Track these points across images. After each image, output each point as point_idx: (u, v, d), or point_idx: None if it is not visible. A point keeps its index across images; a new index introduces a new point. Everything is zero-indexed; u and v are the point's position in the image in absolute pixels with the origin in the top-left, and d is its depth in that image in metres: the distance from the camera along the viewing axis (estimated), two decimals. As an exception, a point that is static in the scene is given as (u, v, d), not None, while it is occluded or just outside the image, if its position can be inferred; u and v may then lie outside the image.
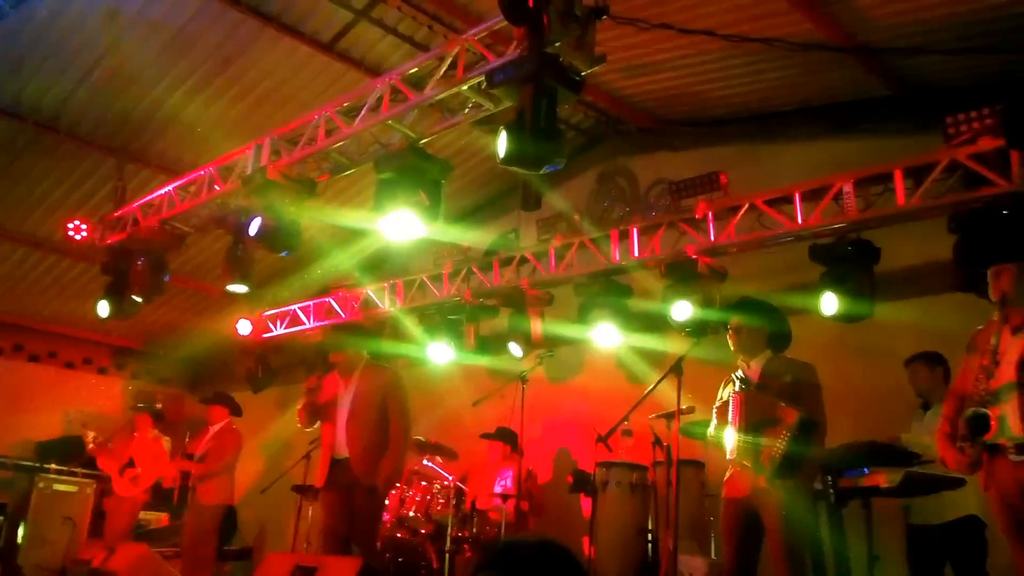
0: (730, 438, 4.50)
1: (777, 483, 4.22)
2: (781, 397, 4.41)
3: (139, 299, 6.72)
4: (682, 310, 5.84)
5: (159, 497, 8.93)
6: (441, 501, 6.69)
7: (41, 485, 9.14)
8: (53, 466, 9.38)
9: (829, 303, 5.30)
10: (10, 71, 6.37)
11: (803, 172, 5.77)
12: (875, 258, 5.35)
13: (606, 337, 6.46)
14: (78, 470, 9.26)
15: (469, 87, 4.77)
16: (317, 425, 5.74)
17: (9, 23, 5.89)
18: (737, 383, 4.56)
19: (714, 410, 4.69)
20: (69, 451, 9.42)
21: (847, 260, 5.35)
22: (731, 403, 4.55)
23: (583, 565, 1.62)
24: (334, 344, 5.93)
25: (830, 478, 4.71)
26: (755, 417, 4.41)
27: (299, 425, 5.71)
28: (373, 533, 5.58)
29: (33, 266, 8.83)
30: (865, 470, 4.71)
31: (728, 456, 4.56)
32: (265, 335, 9.14)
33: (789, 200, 5.54)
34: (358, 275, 8.80)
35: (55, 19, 5.93)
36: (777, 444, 4.23)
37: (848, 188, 5.29)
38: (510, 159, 4.04)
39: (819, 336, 5.73)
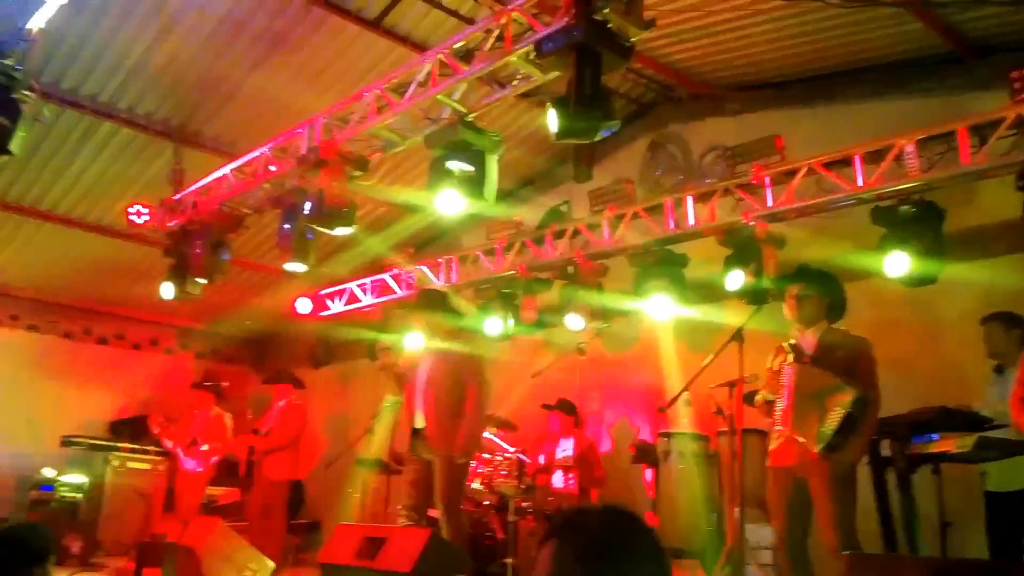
0: (781, 409, 4.47)
1: (826, 455, 4.19)
2: (835, 371, 4.36)
3: (201, 280, 6.84)
4: (738, 279, 5.75)
5: (227, 472, 9.19)
6: (503, 473, 6.75)
7: (115, 463, 9.48)
8: (126, 444, 9.73)
9: (897, 264, 5.09)
10: (67, 61, 6.49)
11: (862, 134, 5.61)
12: (940, 219, 5.19)
13: (662, 307, 6.39)
14: (150, 448, 9.57)
15: (517, 58, 4.74)
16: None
17: (64, 13, 6.00)
18: (792, 354, 4.51)
19: (764, 379, 4.64)
20: (140, 430, 9.71)
21: (911, 222, 5.19)
22: (785, 374, 4.50)
23: (652, 530, 1.60)
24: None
25: (899, 444, 4.65)
26: (809, 391, 4.37)
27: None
28: (453, 501, 5.61)
29: (98, 251, 9.06)
30: (934, 436, 4.62)
31: (777, 426, 4.52)
32: (323, 313, 9.26)
33: (849, 163, 5.38)
34: (413, 251, 8.88)
35: (107, 7, 6.02)
36: (830, 420, 4.21)
37: (910, 148, 5.12)
38: (563, 133, 4.01)
39: (881, 301, 5.61)
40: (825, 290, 4.68)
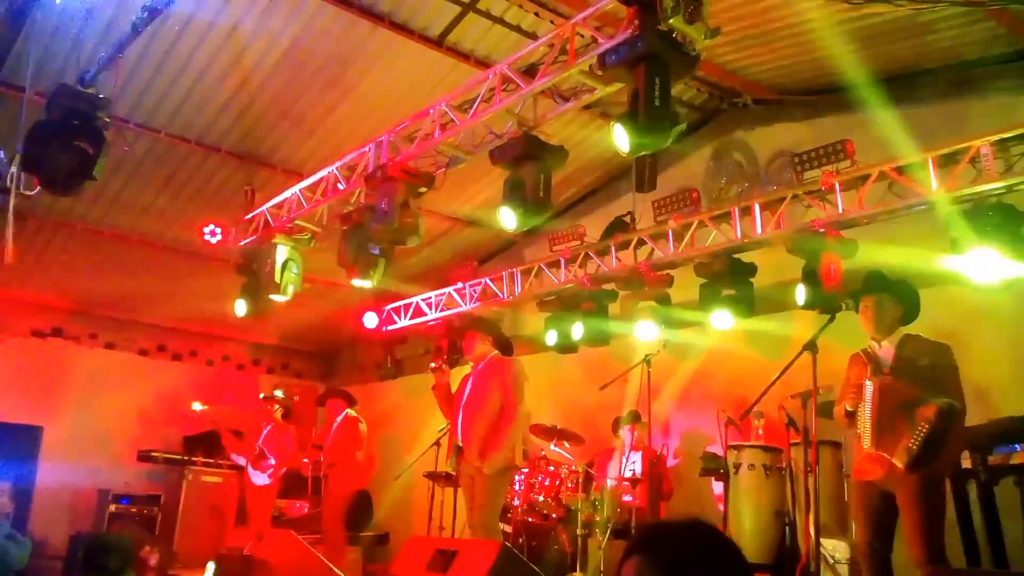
0: (864, 424, 4.37)
1: (915, 470, 4.08)
2: (918, 382, 4.25)
3: (277, 297, 6.99)
4: (806, 294, 5.63)
5: (295, 486, 9.35)
6: (570, 486, 6.73)
7: (190, 477, 9.74)
8: (200, 459, 9.98)
9: (983, 263, 4.85)
10: (142, 91, 6.72)
11: (935, 136, 5.48)
12: (1020, 221, 5.02)
13: (730, 317, 6.31)
14: (223, 462, 9.80)
15: (580, 71, 4.76)
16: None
17: (142, 42, 6.22)
18: (870, 366, 4.41)
19: (842, 391, 4.55)
20: (213, 444, 9.96)
21: (990, 225, 5.03)
22: (866, 389, 4.40)
23: (734, 544, 1.59)
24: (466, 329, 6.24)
25: (979, 456, 4.52)
26: (892, 405, 4.27)
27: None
28: (485, 518, 5.76)
29: (172, 270, 9.33)
30: (1017, 446, 4.48)
31: (863, 443, 4.42)
32: (389, 327, 9.39)
33: (922, 166, 5.27)
34: (476, 264, 8.95)
35: (181, 37, 6.21)
36: (915, 436, 4.10)
37: (987, 150, 4.99)
38: (635, 147, 4.01)
39: (955, 307, 5.45)
40: (899, 297, 4.58)
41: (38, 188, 4.71)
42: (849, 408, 4.47)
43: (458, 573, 4.40)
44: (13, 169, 4.59)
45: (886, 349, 4.46)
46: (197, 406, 8.90)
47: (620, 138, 4.05)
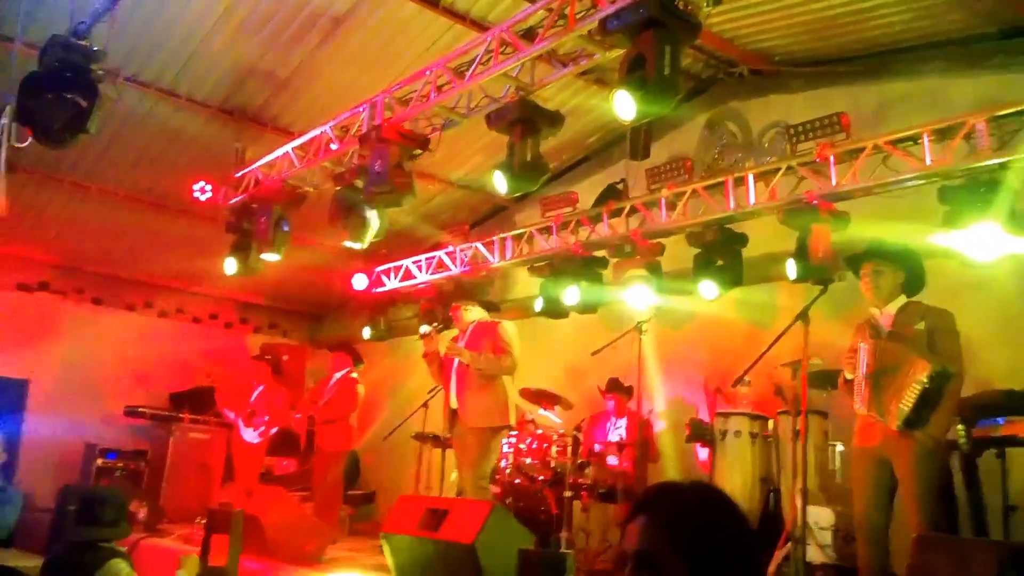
0: (859, 388, 4.43)
1: (908, 433, 4.14)
2: (914, 345, 4.29)
3: (268, 256, 6.97)
4: (796, 269, 5.67)
5: (283, 443, 9.40)
6: (558, 449, 6.81)
7: (177, 433, 9.77)
8: (187, 415, 10.01)
9: (983, 241, 4.85)
10: (131, 45, 6.61)
11: (931, 111, 5.49)
12: (1010, 198, 5.05)
13: (716, 288, 6.35)
14: (210, 419, 9.83)
15: (579, 35, 4.72)
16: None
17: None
18: (869, 332, 4.46)
19: (844, 358, 4.60)
20: (200, 401, 9.99)
21: (978, 200, 5.06)
22: (860, 352, 4.46)
23: (737, 505, 1.62)
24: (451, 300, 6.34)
25: (963, 427, 4.59)
26: (886, 368, 4.32)
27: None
28: (477, 478, 6.03)
29: (160, 227, 9.26)
30: (1000, 420, 4.56)
31: (857, 406, 4.48)
32: (379, 289, 9.39)
33: (916, 141, 5.28)
34: (468, 228, 8.94)
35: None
36: (906, 395, 4.14)
37: (981, 126, 5.01)
38: (639, 116, 3.98)
39: (945, 282, 5.50)
40: (899, 264, 4.61)
41: (29, 140, 4.65)
42: (848, 376, 4.52)
43: (450, 531, 4.46)
44: (5, 120, 4.53)
45: (887, 316, 4.50)
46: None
47: (623, 105, 4.02)
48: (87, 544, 3.72)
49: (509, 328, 6.35)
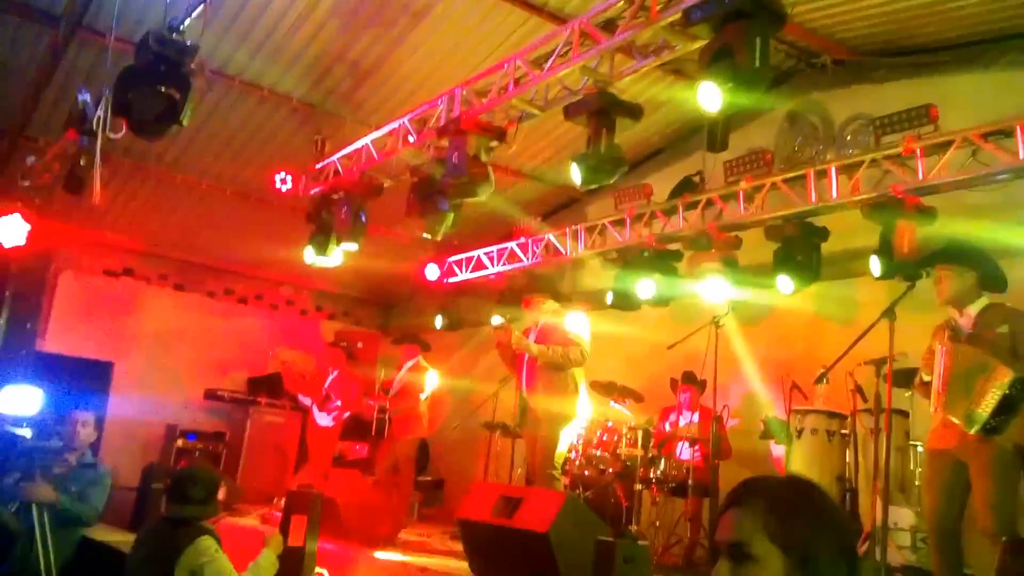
0: (935, 389, 4.33)
1: (986, 438, 4.03)
2: (995, 349, 4.18)
3: (346, 246, 7.11)
4: (880, 265, 5.54)
5: (358, 429, 9.59)
6: (628, 442, 6.80)
7: (254, 416, 10.07)
8: (264, 399, 10.29)
9: None
10: (221, 35, 6.80)
11: (1022, 103, 5.31)
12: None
13: (798, 281, 6.24)
14: (286, 403, 10.09)
15: (662, 27, 4.69)
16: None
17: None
18: (948, 334, 4.35)
19: (922, 359, 4.51)
20: (277, 386, 10.25)
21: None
22: (939, 354, 4.35)
23: (830, 496, 1.61)
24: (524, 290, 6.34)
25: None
26: (965, 371, 4.21)
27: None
28: (546, 467, 6.00)
29: (242, 216, 9.54)
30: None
31: (933, 408, 4.38)
32: (450, 279, 9.48)
33: (1009, 134, 5.11)
34: (540, 219, 8.97)
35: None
36: (986, 401, 4.03)
37: (1080, 118, 4.82)
38: (725, 107, 3.94)
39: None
40: (969, 265, 4.47)
41: (123, 131, 4.83)
42: (925, 377, 4.43)
43: (524, 519, 4.50)
44: (101, 112, 4.72)
45: (967, 317, 4.38)
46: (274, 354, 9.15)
47: (709, 96, 3.97)
48: (178, 521, 3.80)
49: (580, 319, 6.34)
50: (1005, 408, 3.94)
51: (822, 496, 1.61)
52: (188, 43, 4.59)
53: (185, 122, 4.60)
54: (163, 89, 4.49)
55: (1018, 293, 4.49)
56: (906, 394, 5.26)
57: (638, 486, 6.38)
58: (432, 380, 8.13)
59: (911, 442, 5.51)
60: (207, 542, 3.65)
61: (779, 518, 1.52)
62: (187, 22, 4.88)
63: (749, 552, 1.51)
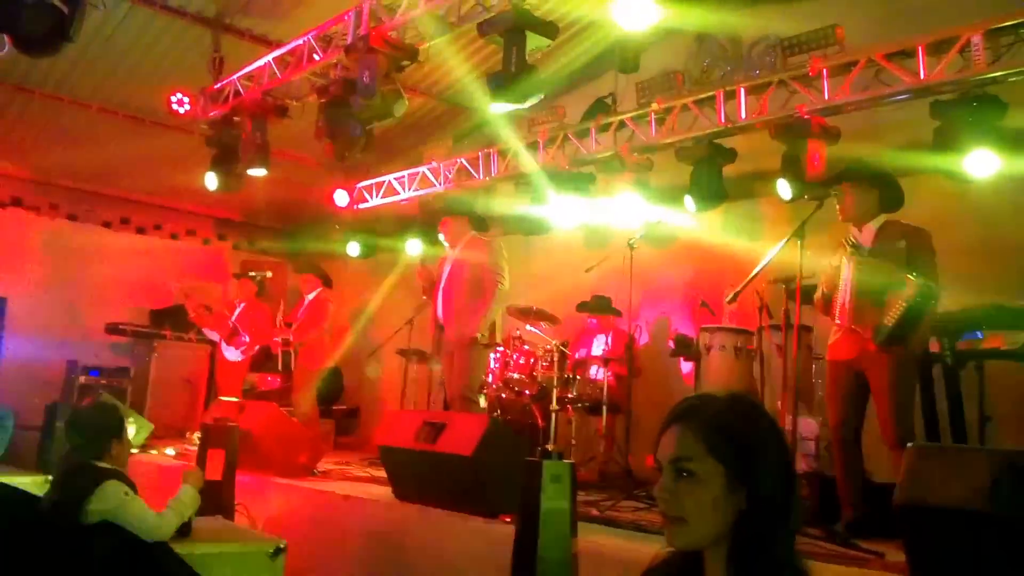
0: (841, 303, 4.49)
1: (887, 348, 4.22)
2: (896, 263, 4.34)
3: (253, 171, 6.84)
4: (788, 189, 5.67)
5: (269, 360, 9.43)
6: (544, 364, 6.89)
7: (159, 350, 9.77)
8: (168, 332, 9.97)
9: (977, 162, 4.92)
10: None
11: (925, 24, 5.43)
12: (1002, 113, 5.07)
13: (706, 203, 6.35)
14: (192, 336, 9.81)
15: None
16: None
17: None
18: (848, 248, 4.51)
19: (823, 274, 4.66)
20: (181, 319, 9.93)
21: (970, 116, 5.07)
22: (844, 268, 4.51)
23: (769, 414, 1.66)
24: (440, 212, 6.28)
25: (947, 340, 4.70)
26: (869, 283, 4.37)
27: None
28: (464, 390, 6.16)
29: (137, 140, 9.03)
30: (979, 334, 4.67)
31: (836, 320, 4.56)
32: (361, 205, 9.29)
33: (911, 54, 5.24)
34: (451, 143, 8.83)
35: None
36: (892, 311, 4.20)
37: (977, 40, 4.97)
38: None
39: (934, 197, 5.55)
40: (872, 183, 4.62)
41: (6, 48, 4.48)
42: (826, 291, 4.59)
43: (448, 443, 4.53)
44: (-21, 28, 4.35)
45: (866, 233, 4.53)
46: (174, 286, 8.81)
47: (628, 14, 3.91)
48: (77, 466, 3.53)
49: (500, 250, 6.32)
50: (909, 319, 4.11)
51: (759, 409, 1.66)
52: (73, -49, 4.25)
53: (74, 37, 4.28)
54: (50, 2, 4.15)
55: (908, 211, 4.66)
56: (808, 310, 5.45)
57: (554, 407, 6.49)
58: (329, 311, 8.06)
59: (815, 356, 5.74)
60: (112, 486, 3.37)
61: (720, 434, 1.56)
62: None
63: (691, 467, 1.55)
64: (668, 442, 1.62)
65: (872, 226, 4.57)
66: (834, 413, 4.54)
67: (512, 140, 7.51)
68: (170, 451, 7.42)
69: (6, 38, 4.27)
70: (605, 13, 5.22)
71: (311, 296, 8.21)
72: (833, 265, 4.62)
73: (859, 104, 5.49)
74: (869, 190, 4.59)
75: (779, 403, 4.98)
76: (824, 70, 5.58)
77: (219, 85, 7.33)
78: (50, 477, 4.06)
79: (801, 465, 5.17)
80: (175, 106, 7.29)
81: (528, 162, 7.50)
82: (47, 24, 4.17)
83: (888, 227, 4.55)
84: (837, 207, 4.68)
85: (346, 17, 6.06)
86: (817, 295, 4.68)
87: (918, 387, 4.68)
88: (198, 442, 5.75)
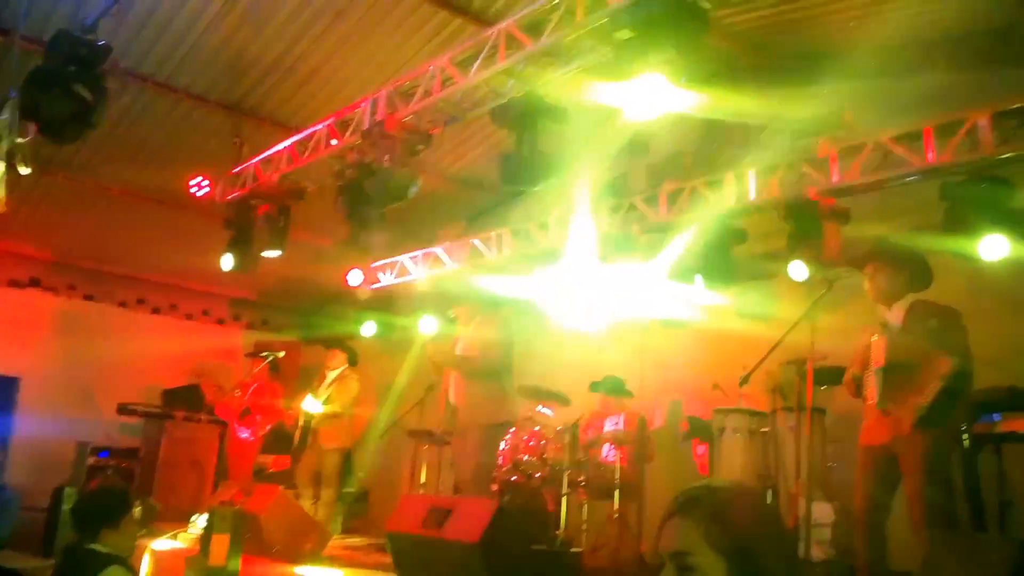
0: (872, 383, 4.41)
1: (922, 429, 4.13)
2: (928, 342, 4.28)
3: (269, 253, 6.92)
4: (801, 270, 5.68)
5: (279, 441, 9.35)
6: (555, 446, 6.79)
7: (170, 431, 9.69)
8: (180, 412, 9.92)
9: (991, 247, 4.95)
10: (130, 37, 6.55)
11: (933, 108, 5.51)
12: (1011, 195, 5.08)
13: (719, 284, 6.36)
14: (203, 416, 9.75)
15: (588, 31, 4.71)
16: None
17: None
18: (879, 327, 4.46)
19: (854, 354, 4.60)
20: (193, 398, 9.90)
21: (980, 198, 5.09)
22: (874, 347, 4.45)
23: (773, 506, 1.63)
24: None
25: (964, 424, 4.62)
26: (899, 361, 4.30)
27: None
28: (473, 474, 6.12)
29: (156, 222, 9.19)
30: (997, 416, 4.59)
31: (868, 400, 4.47)
32: (374, 285, 9.34)
33: (918, 137, 5.31)
34: (464, 224, 8.92)
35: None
36: (928, 391, 4.12)
37: (984, 122, 5.04)
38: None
39: (949, 276, 5.52)
40: (901, 262, 4.61)
41: (32, 135, 4.60)
42: (856, 373, 4.52)
43: (454, 530, 4.44)
44: (7, 115, 4.48)
45: (896, 313, 4.49)
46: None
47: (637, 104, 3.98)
48: (81, 552, 3.48)
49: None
50: (945, 399, 4.03)
51: (762, 503, 1.63)
52: (101, 43, 4.39)
53: (98, 125, 4.40)
54: (75, 90, 4.29)
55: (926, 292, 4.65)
56: (821, 392, 5.39)
57: (565, 491, 6.38)
58: (356, 390, 8.01)
59: (829, 440, 5.64)
60: (115, 573, 3.33)
61: (721, 527, 1.53)
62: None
63: (692, 562, 1.52)
64: (669, 535, 1.59)
65: (902, 305, 4.54)
66: (863, 497, 4.41)
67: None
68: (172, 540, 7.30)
69: (32, 125, 4.40)
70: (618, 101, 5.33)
71: (334, 373, 8.17)
72: (863, 345, 4.57)
73: (868, 185, 5.54)
74: (900, 269, 4.58)
75: (793, 487, 4.87)
76: (832, 152, 5.64)
77: (238, 169, 7.48)
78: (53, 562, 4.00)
79: (816, 552, 5.03)
80: (194, 189, 7.43)
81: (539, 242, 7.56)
82: (72, 111, 4.30)
83: (918, 306, 4.51)
84: (866, 287, 4.66)
85: (363, 104, 6.21)
86: (847, 377, 4.61)
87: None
88: (203, 526, 5.66)
